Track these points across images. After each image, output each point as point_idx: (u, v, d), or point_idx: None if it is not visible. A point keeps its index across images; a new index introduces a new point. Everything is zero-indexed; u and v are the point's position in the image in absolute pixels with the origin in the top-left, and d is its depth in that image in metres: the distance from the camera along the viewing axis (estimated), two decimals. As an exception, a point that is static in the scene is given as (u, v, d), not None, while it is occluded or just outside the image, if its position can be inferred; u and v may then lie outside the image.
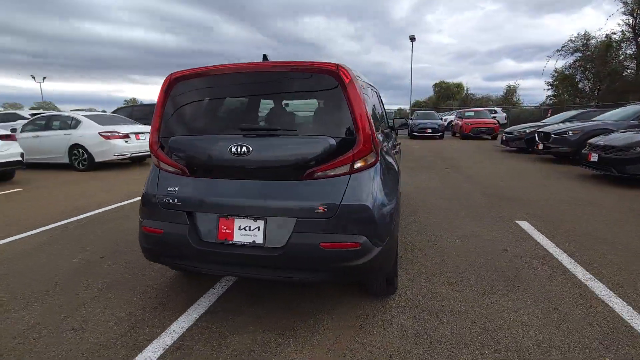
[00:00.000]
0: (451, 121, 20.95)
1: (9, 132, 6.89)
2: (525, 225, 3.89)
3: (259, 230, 1.96)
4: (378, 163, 2.02)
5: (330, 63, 1.96)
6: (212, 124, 2.10)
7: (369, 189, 1.93)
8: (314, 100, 1.97)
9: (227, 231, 2.00)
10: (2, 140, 6.49)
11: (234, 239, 1.99)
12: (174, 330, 2.09)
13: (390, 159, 2.44)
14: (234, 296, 2.46)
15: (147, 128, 9.20)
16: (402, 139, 17.74)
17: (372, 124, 2.02)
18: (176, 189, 2.09)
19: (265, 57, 2.23)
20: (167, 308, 2.33)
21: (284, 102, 2.00)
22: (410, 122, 17.90)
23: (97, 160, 8.12)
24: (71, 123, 8.42)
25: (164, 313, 2.27)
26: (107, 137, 8.01)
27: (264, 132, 2.02)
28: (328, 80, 1.94)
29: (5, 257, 3.23)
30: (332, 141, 1.92)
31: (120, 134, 8.17)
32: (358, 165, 1.94)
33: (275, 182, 1.96)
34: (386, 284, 2.23)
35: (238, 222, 2.00)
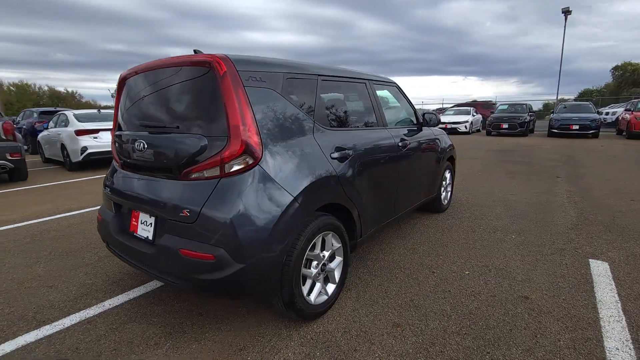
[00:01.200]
0: (619, 115, 16.00)
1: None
2: (600, 268, 2.70)
3: (151, 226, 1.97)
4: (257, 168, 1.74)
5: (209, 55, 1.78)
6: (130, 120, 2.21)
7: (237, 196, 1.69)
8: (197, 96, 1.83)
9: (134, 224, 2.09)
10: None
11: (137, 232, 2.06)
12: (103, 305, 2.33)
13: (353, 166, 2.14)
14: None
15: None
16: (539, 137, 14.85)
17: (253, 122, 1.74)
18: (112, 180, 2.30)
19: (195, 52, 2.19)
20: (118, 286, 2.61)
21: (173, 98, 1.94)
22: (551, 116, 14.82)
23: (73, 160, 7.51)
24: (64, 121, 8.07)
25: (112, 288, 2.55)
26: (79, 134, 7.43)
27: (155, 129, 2.00)
28: (207, 74, 1.77)
29: None
30: (204, 141, 1.76)
31: (89, 131, 7.46)
32: (232, 168, 1.72)
33: (162, 180, 1.93)
34: (285, 307, 1.92)
35: (141, 216, 2.06)
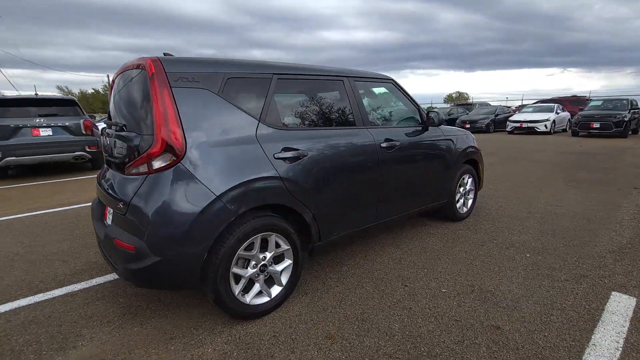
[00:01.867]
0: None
1: None
2: (621, 304, 2.18)
3: (111, 216, 2.17)
4: (179, 166, 1.79)
5: (143, 57, 1.88)
6: (107, 119, 2.44)
7: (158, 192, 1.76)
8: (136, 96, 1.93)
9: (106, 213, 2.33)
10: None
11: (106, 221, 2.29)
12: (90, 282, 2.64)
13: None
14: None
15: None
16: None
17: (177, 121, 1.79)
18: (99, 174, 2.59)
19: (164, 54, 2.34)
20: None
21: (124, 99, 2.07)
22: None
23: None
24: None
25: (106, 267, 2.87)
26: None
27: (115, 127, 2.17)
28: (142, 75, 1.88)
29: None
30: (139, 139, 1.87)
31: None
32: (156, 165, 1.80)
33: (116, 175, 2.11)
34: (213, 303, 1.95)
35: (108, 208, 2.28)
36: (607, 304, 2.19)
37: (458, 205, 3.74)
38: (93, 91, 58.67)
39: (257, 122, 2.08)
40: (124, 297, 2.41)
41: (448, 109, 20.41)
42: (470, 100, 32.27)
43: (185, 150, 1.80)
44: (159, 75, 1.80)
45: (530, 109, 16.65)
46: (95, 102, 53.34)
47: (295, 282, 2.28)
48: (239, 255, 1.97)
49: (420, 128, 3.19)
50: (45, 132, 7.01)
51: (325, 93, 2.60)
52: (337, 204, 2.42)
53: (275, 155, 2.08)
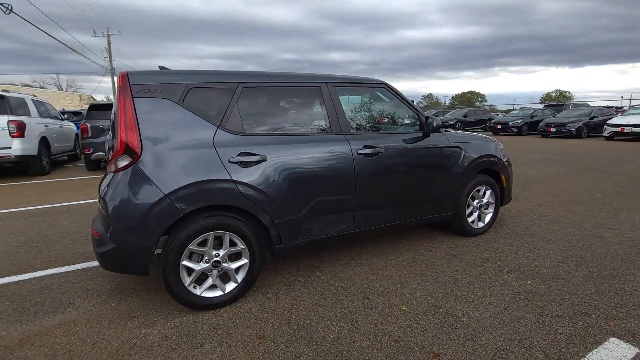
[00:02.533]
0: None
1: None
2: (612, 353, 1.80)
3: None
4: (135, 166, 2.03)
5: (123, 71, 2.15)
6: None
7: (118, 188, 2.04)
8: (116, 105, 2.22)
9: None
10: None
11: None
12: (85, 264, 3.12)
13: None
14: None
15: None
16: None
17: (135, 126, 2.03)
18: None
19: (159, 67, 2.65)
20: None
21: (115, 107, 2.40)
22: None
23: None
24: None
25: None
26: None
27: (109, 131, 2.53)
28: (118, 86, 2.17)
29: None
30: (112, 142, 2.18)
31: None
32: (119, 165, 2.08)
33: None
34: (166, 290, 2.16)
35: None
36: (595, 350, 1.83)
37: (470, 219, 3.41)
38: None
39: (216, 128, 2.24)
40: (121, 277, 2.80)
41: (531, 112, 18.19)
42: (574, 100, 28.26)
43: (141, 153, 2.04)
44: (124, 87, 2.08)
45: (637, 111, 13.93)
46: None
47: (252, 281, 2.38)
48: (191, 250, 2.16)
49: (417, 135, 3.01)
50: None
51: (299, 100, 2.64)
52: (300, 210, 2.45)
53: (230, 159, 2.21)
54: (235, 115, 2.32)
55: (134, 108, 2.06)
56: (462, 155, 3.21)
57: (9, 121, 7.28)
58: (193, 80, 2.24)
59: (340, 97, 2.75)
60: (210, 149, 2.19)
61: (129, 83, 2.09)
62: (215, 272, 2.26)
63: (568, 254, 3.03)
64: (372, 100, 3.10)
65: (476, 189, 3.38)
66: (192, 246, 2.15)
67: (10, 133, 7.29)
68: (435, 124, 2.94)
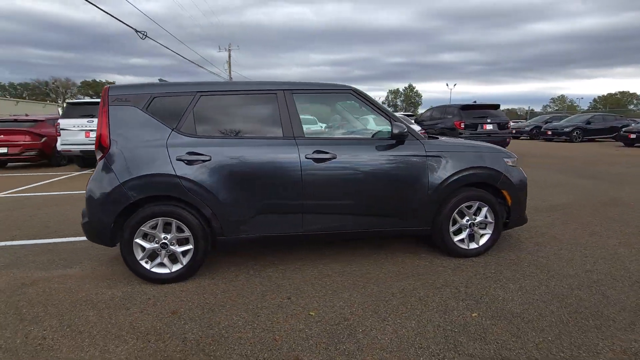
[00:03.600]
0: None
1: None
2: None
3: None
4: (105, 158, 2.57)
5: (106, 86, 2.73)
6: None
7: (95, 174, 2.62)
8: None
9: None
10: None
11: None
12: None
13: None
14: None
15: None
16: None
17: (107, 128, 2.57)
18: None
19: (159, 80, 3.22)
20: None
21: None
22: None
23: None
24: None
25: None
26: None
27: None
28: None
29: None
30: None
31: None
32: (98, 156, 2.68)
33: None
34: (124, 262, 2.66)
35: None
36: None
37: (457, 237, 3.06)
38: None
39: (171, 130, 2.64)
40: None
41: (588, 117, 14.58)
42: None
43: (109, 148, 2.58)
44: (104, 98, 2.64)
45: None
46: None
47: (196, 265, 2.70)
48: (144, 231, 2.61)
49: (384, 142, 2.88)
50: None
51: (254, 106, 2.84)
52: (242, 207, 2.67)
53: (177, 157, 2.58)
54: (189, 120, 2.68)
55: (108, 113, 2.62)
56: (443, 165, 2.92)
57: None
58: (157, 91, 2.70)
59: (310, 105, 2.86)
60: (162, 148, 2.60)
61: (107, 94, 2.66)
62: (163, 252, 2.66)
63: (561, 294, 2.47)
64: (339, 106, 3.10)
65: (466, 204, 3.01)
66: (145, 228, 2.59)
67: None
68: (397, 131, 2.77)
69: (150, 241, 2.67)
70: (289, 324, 2.15)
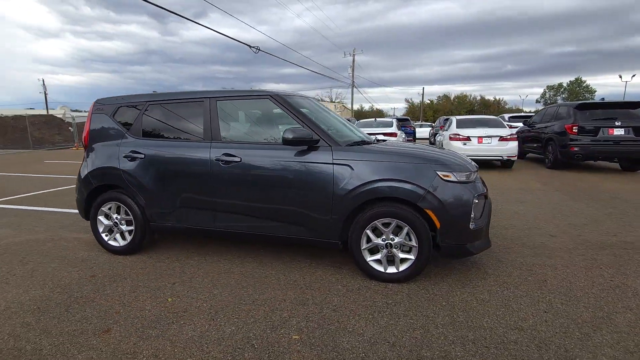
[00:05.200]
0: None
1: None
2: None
3: None
4: (85, 153, 3.40)
5: (97, 99, 3.57)
6: None
7: (81, 164, 3.49)
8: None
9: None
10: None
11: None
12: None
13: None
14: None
15: (493, 131, 8.54)
16: None
17: (88, 130, 3.38)
18: None
19: (153, 92, 3.98)
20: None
21: None
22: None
23: None
24: (449, 125, 9.92)
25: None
26: (452, 139, 8.95)
27: None
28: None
29: None
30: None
31: (460, 137, 8.78)
32: (84, 151, 3.55)
33: None
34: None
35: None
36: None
37: (371, 258, 2.72)
38: (429, 101, 68.73)
39: (125, 133, 3.29)
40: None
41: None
42: None
43: (87, 145, 3.41)
44: (92, 107, 3.50)
45: None
46: (460, 107, 63.48)
47: (137, 244, 3.28)
48: (104, 212, 3.35)
49: (292, 148, 2.80)
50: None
51: (187, 112, 3.19)
52: (164, 199, 3.10)
53: (123, 155, 3.21)
54: (138, 125, 3.28)
55: (90, 120, 3.46)
56: (350, 174, 2.65)
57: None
58: (122, 101, 3.39)
59: (236, 111, 3.13)
60: (116, 147, 3.28)
61: (94, 105, 3.51)
62: (115, 229, 3.35)
63: (476, 324, 1.95)
64: (260, 111, 3.17)
65: (381, 221, 2.64)
66: (104, 209, 3.34)
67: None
68: (288, 136, 2.66)
69: (108, 219, 3.40)
70: (140, 303, 2.47)
